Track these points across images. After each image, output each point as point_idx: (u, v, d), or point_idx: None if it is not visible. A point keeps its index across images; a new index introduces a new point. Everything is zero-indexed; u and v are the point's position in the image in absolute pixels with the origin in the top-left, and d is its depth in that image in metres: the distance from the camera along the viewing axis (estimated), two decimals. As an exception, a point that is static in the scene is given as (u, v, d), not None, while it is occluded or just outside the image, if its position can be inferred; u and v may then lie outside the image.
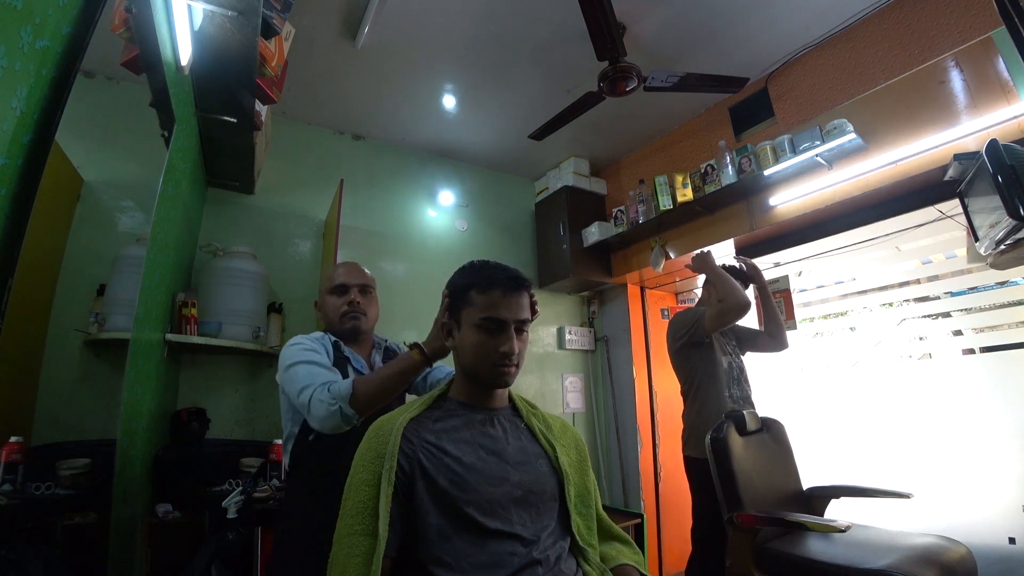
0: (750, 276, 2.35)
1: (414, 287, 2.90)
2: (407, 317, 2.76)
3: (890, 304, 2.87)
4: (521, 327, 0.96)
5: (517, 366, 0.95)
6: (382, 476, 0.84)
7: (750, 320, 2.37)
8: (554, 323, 3.44)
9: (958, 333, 2.62)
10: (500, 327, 0.93)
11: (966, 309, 2.54)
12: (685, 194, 2.66)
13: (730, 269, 2.28)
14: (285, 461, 1.30)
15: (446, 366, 1.35)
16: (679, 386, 2.30)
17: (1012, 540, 2.08)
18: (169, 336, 1.89)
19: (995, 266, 1.68)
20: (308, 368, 1.16)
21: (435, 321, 1.11)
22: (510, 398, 1.06)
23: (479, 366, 0.94)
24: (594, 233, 3.13)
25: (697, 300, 2.44)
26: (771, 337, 2.33)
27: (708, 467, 1.89)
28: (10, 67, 0.61)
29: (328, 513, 0.92)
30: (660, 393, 3.31)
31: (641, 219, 2.92)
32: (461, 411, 0.97)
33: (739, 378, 2.23)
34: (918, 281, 2.78)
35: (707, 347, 2.16)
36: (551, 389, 3.29)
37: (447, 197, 3.19)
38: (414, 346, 1.15)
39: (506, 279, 0.95)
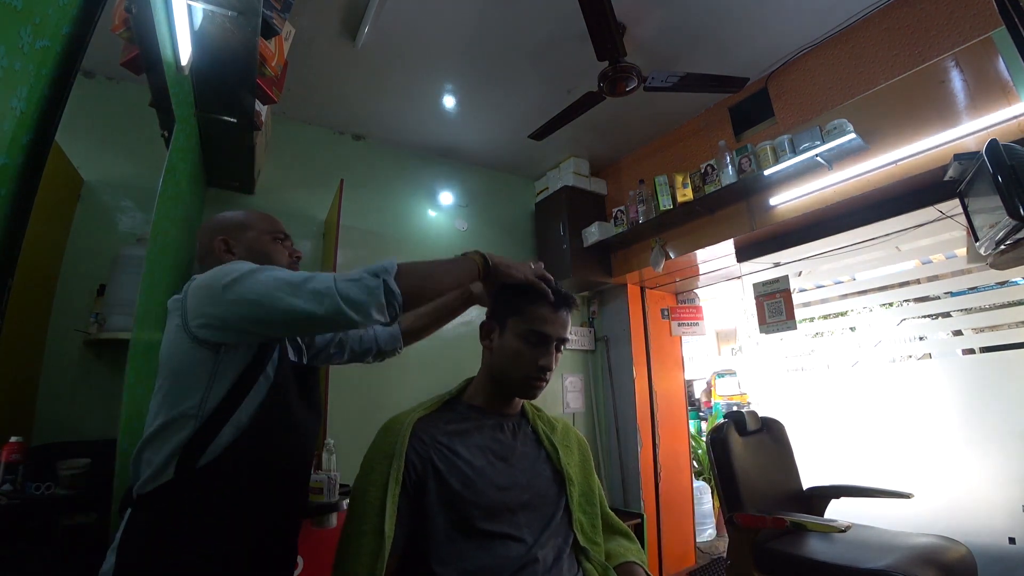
0: None
1: (414, 287, 2.89)
2: (407, 317, 2.76)
3: (890, 304, 2.87)
4: (560, 345, 0.97)
5: (547, 381, 0.96)
6: (390, 476, 0.85)
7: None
8: (554, 323, 3.43)
9: (958, 333, 2.62)
10: (543, 341, 0.94)
11: (966, 309, 2.55)
12: (685, 194, 2.65)
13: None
14: (153, 466, 0.80)
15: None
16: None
17: (1012, 540, 2.08)
18: (169, 336, 1.88)
19: (995, 266, 1.68)
20: (275, 271, 0.85)
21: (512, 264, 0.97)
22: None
23: (513, 374, 0.95)
24: (594, 233, 3.13)
25: None
26: None
27: None
28: (10, 67, 0.61)
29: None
30: (660, 393, 3.31)
31: (641, 219, 2.92)
32: (473, 415, 0.97)
33: None
34: (918, 281, 2.78)
35: None
36: (551, 389, 3.29)
37: (447, 197, 3.19)
38: (475, 253, 0.95)
39: (557, 296, 0.96)
